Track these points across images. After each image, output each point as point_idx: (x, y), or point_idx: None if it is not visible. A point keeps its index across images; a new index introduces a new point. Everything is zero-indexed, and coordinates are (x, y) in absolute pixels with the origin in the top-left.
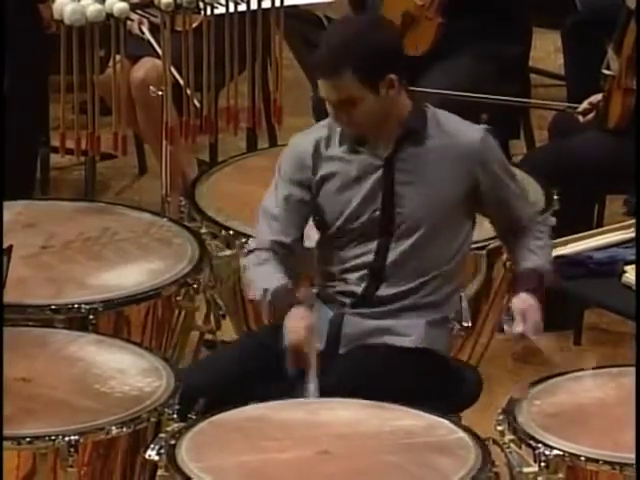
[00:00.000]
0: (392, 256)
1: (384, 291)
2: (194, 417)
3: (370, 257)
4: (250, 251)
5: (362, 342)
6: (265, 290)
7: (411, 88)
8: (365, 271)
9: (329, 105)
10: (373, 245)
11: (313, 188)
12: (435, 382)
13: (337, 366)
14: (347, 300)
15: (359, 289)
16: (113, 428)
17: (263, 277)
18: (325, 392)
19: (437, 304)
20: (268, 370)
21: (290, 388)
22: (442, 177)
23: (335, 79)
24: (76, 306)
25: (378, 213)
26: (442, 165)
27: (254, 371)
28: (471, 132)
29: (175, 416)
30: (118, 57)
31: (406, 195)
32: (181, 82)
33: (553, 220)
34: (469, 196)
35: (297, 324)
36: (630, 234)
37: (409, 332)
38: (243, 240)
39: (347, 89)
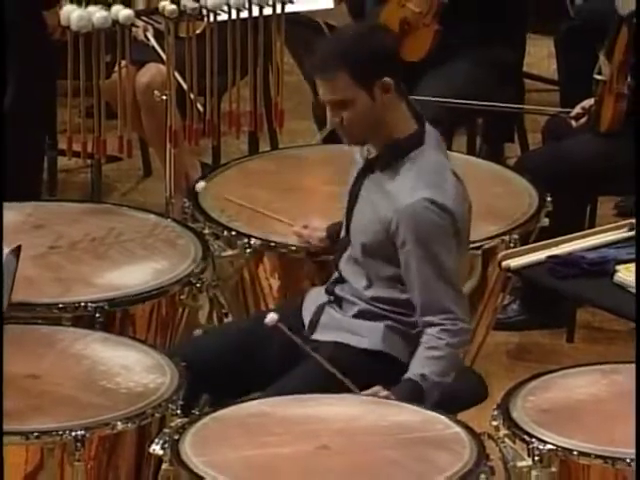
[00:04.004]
0: (343, 263)
1: (342, 292)
2: (197, 413)
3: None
4: None
5: (329, 335)
6: None
7: (411, 97)
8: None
9: (327, 106)
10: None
11: None
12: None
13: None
14: (329, 297)
15: (328, 286)
16: (119, 423)
17: None
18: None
19: (396, 317)
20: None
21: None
22: (376, 214)
23: (331, 79)
24: (83, 305)
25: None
26: (380, 205)
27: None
28: (412, 196)
29: (179, 412)
30: (124, 62)
31: (357, 211)
32: (185, 87)
33: (457, 329)
34: (391, 244)
35: None
36: (621, 234)
37: (365, 334)
38: (245, 240)
39: (342, 90)
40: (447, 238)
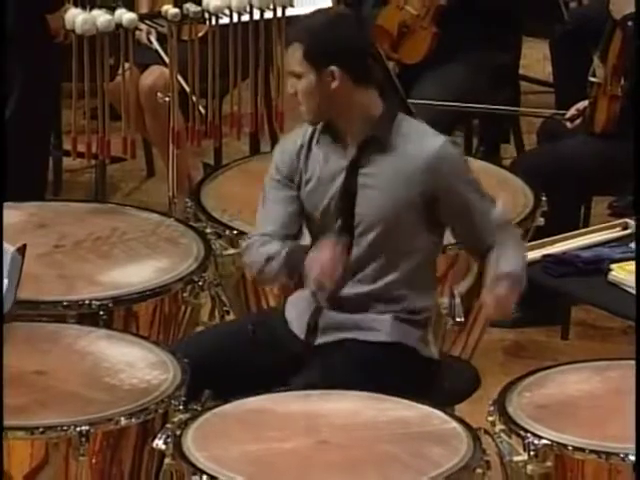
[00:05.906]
0: (354, 254)
1: (350, 288)
2: (199, 408)
3: None
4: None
5: (335, 336)
6: (277, 252)
7: (410, 100)
8: None
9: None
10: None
11: (297, 188)
12: (409, 374)
13: (313, 363)
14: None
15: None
16: (122, 419)
17: (270, 249)
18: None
19: (402, 299)
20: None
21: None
22: (398, 184)
23: (289, 49)
24: (87, 302)
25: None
26: (399, 173)
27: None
28: (430, 143)
29: (181, 407)
30: (127, 65)
31: (364, 197)
32: (187, 89)
33: (518, 231)
34: (426, 204)
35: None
36: (615, 234)
37: (377, 327)
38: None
39: (295, 63)
40: (469, 166)
